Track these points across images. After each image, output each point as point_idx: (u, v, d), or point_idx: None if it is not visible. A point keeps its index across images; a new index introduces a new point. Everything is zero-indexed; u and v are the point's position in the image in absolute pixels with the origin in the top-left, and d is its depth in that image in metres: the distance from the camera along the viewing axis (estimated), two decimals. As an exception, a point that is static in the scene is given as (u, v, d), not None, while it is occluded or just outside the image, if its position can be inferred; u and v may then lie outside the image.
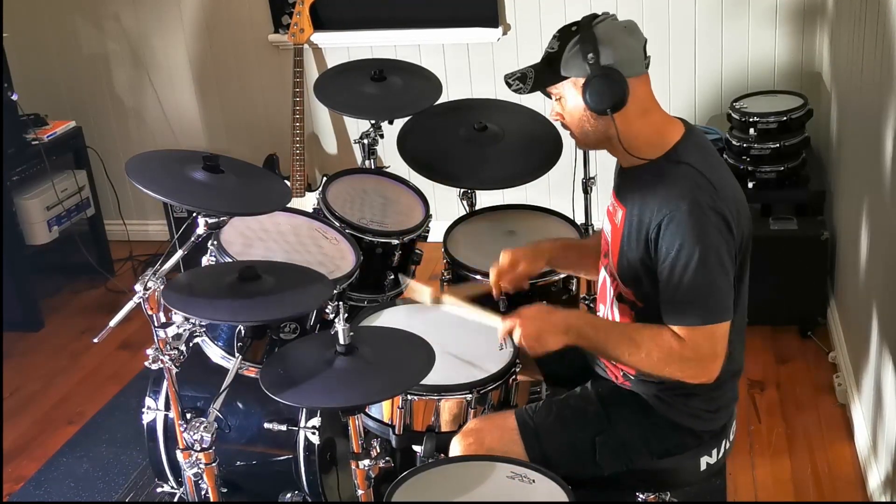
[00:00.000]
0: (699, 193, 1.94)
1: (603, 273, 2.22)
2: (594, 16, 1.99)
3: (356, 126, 4.34)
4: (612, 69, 1.94)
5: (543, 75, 2.02)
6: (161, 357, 2.12)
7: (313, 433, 2.47)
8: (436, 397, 2.18)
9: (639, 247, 2.01)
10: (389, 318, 2.43)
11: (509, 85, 2.05)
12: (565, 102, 2.03)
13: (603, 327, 2.09)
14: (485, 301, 2.36)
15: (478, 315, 2.24)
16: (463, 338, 2.37)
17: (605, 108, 1.96)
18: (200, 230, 2.12)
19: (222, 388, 2.28)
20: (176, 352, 2.13)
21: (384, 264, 2.78)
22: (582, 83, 1.97)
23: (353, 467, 2.07)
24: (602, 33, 1.95)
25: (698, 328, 1.94)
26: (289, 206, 2.49)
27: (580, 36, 1.96)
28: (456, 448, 2.13)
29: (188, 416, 2.23)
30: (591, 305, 3.01)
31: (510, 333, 2.09)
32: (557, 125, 2.14)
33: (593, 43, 1.94)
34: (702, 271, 1.92)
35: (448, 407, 2.20)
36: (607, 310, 2.19)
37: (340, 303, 2.06)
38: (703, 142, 2.08)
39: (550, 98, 2.07)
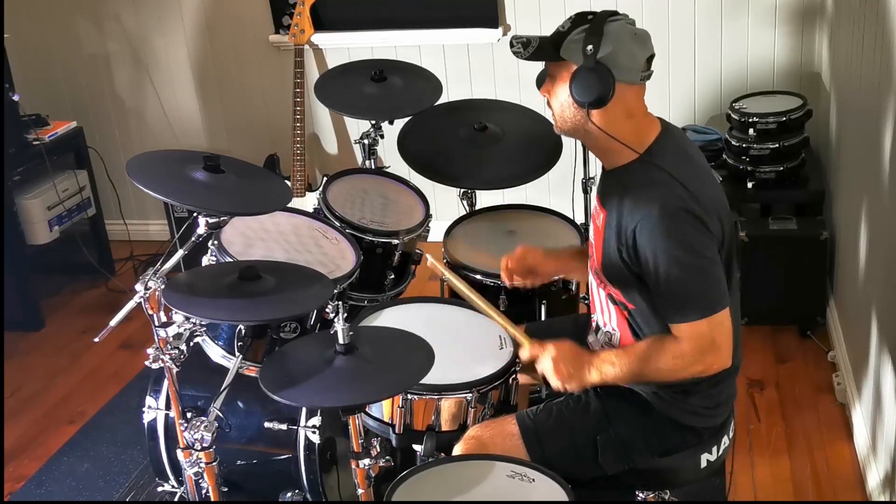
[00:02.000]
0: (668, 196, 1.96)
1: (590, 277, 2.23)
2: (613, 12, 2.00)
3: (356, 126, 4.35)
4: (603, 67, 1.95)
5: (545, 49, 2.02)
6: (162, 356, 2.13)
7: (313, 432, 2.48)
8: (436, 396, 2.19)
9: (619, 251, 2.03)
10: (389, 317, 2.43)
11: (512, 45, 2.04)
12: (556, 82, 2.04)
13: (618, 356, 2.08)
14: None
15: (485, 307, 2.30)
16: (463, 337, 2.38)
17: (584, 102, 1.98)
18: (201, 230, 2.13)
19: (223, 387, 2.29)
20: (176, 351, 2.14)
21: (384, 264, 2.79)
22: (573, 70, 1.98)
23: (354, 466, 2.08)
24: (611, 31, 1.96)
25: (694, 324, 1.96)
26: (289, 205, 2.50)
27: (589, 26, 1.97)
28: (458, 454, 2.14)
29: (189, 415, 2.23)
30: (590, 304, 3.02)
31: (533, 362, 2.13)
32: (549, 122, 2.15)
33: (598, 36, 1.95)
34: (683, 269, 1.94)
35: (448, 406, 2.20)
36: (602, 305, 2.20)
37: (340, 302, 2.07)
38: (680, 141, 2.10)
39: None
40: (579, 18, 2.01)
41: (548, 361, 2.09)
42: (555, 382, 2.09)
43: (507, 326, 2.27)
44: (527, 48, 2.02)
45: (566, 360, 2.09)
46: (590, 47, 1.94)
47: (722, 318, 1.97)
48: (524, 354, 2.18)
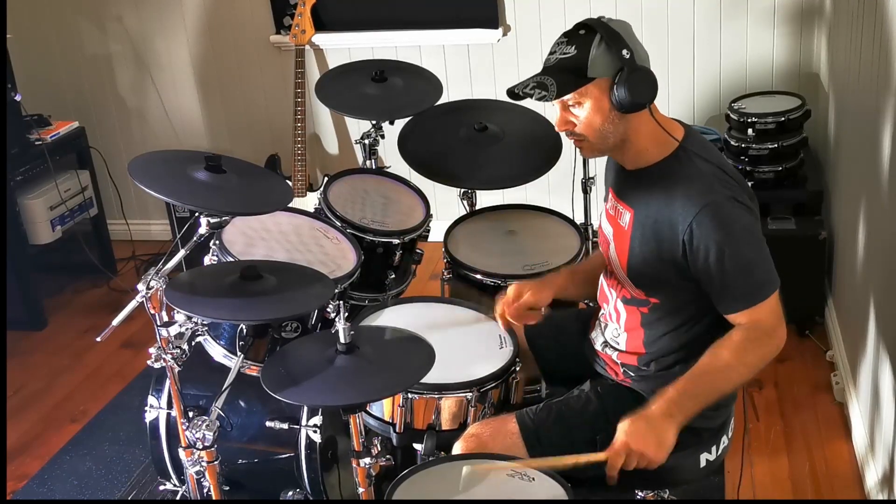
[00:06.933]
0: (720, 186, 1.97)
1: (601, 279, 2.24)
2: (598, 19, 1.99)
3: (357, 126, 4.36)
4: (640, 64, 1.96)
5: (567, 80, 1.96)
6: (163, 356, 2.14)
7: (314, 431, 2.49)
8: (436, 396, 2.20)
9: (660, 246, 2.01)
10: (390, 317, 2.44)
11: (529, 94, 1.98)
12: (584, 108, 1.99)
13: (691, 386, 1.97)
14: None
15: (579, 458, 2.00)
16: (463, 337, 2.39)
17: (644, 104, 1.96)
18: (202, 230, 2.14)
19: (224, 386, 2.30)
20: (178, 350, 2.15)
21: (385, 264, 2.80)
22: (607, 83, 1.96)
23: (355, 465, 2.09)
24: (619, 32, 1.96)
25: (758, 306, 1.97)
26: (290, 205, 2.51)
27: (603, 35, 1.95)
28: (458, 453, 2.14)
29: (190, 414, 2.24)
30: (591, 304, 3.03)
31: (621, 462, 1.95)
32: (562, 134, 2.08)
33: (622, 39, 1.94)
34: (745, 255, 1.95)
35: (448, 405, 2.21)
36: (610, 308, 2.21)
37: (341, 302, 2.08)
38: (703, 138, 2.12)
39: (556, 105, 2.04)
40: (575, 37, 1.97)
41: (629, 451, 1.93)
42: (650, 461, 1.93)
43: (590, 458, 1.99)
44: (549, 89, 1.96)
45: (641, 438, 1.93)
46: (625, 51, 1.93)
47: (776, 298, 2.00)
48: (612, 472, 1.96)
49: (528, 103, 3.05)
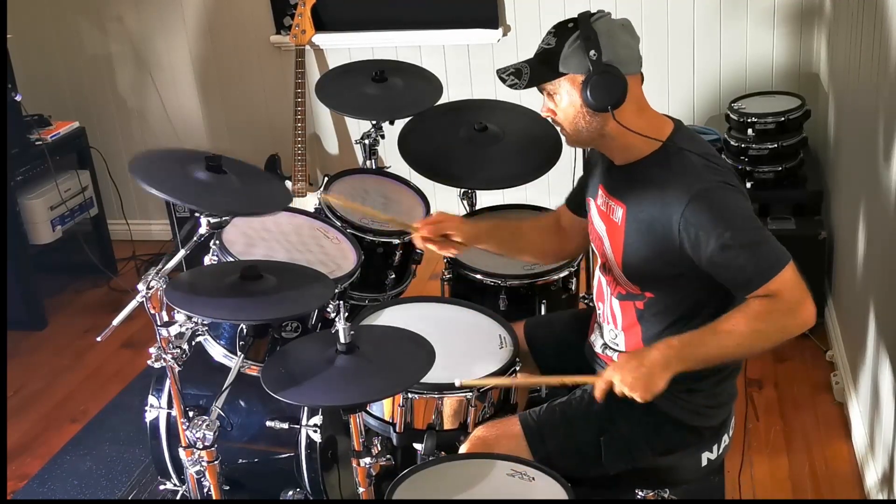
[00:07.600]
0: (710, 174, 1.98)
1: (598, 274, 2.24)
2: (590, 13, 2.00)
3: (357, 126, 4.36)
4: (612, 67, 1.96)
5: (540, 71, 2.01)
6: (164, 356, 2.14)
7: (315, 431, 2.49)
8: (436, 396, 2.20)
9: (656, 240, 2.01)
10: (390, 317, 2.44)
11: (503, 80, 2.04)
12: (560, 99, 2.03)
13: (697, 340, 1.95)
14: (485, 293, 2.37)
15: (564, 379, 2.10)
16: (463, 336, 2.39)
17: (605, 106, 1.97)
18: (203, 230, 2.14)
19: (224, 386, 2.30)
20: (178, 350, 2.15)
21: (385, 264, 2.80)
22: (581, 80, 1.98)
23: (355, 465, 2.09)
24: (602, 30, 1.96)
25: (777, 278, 1.91)
26: (290, 205, 2.51)
27: (580, 32, 1.96)
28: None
29: (191, 414, 2.25)
30: (591, 304, 3.03)
31: (608, 388, 1.96)
32: (548, 121, 2.14)
33: (595, 40, 1.95)
34: (744, 235, 1.94)
35: (448, 405, 2.21)
36: (606, 307, 2.21)
37: (341, 302, 2.08)
38: (693, 133, 2.12)
39: (542, 94, 2.08)
40: (562, 30, 2.00)
41: (617, 382, 1.94)
42: (641, 396, 1.92)
43: (576, 379, 2.10)
44: (521, 77, 2.01)
45: (632, 371, 1.92)
46: (593, 52, 1.94)
47: (794, 269, 1.95)
48: (598, 394, 1.97)
49: (529, 102, 3.07)
